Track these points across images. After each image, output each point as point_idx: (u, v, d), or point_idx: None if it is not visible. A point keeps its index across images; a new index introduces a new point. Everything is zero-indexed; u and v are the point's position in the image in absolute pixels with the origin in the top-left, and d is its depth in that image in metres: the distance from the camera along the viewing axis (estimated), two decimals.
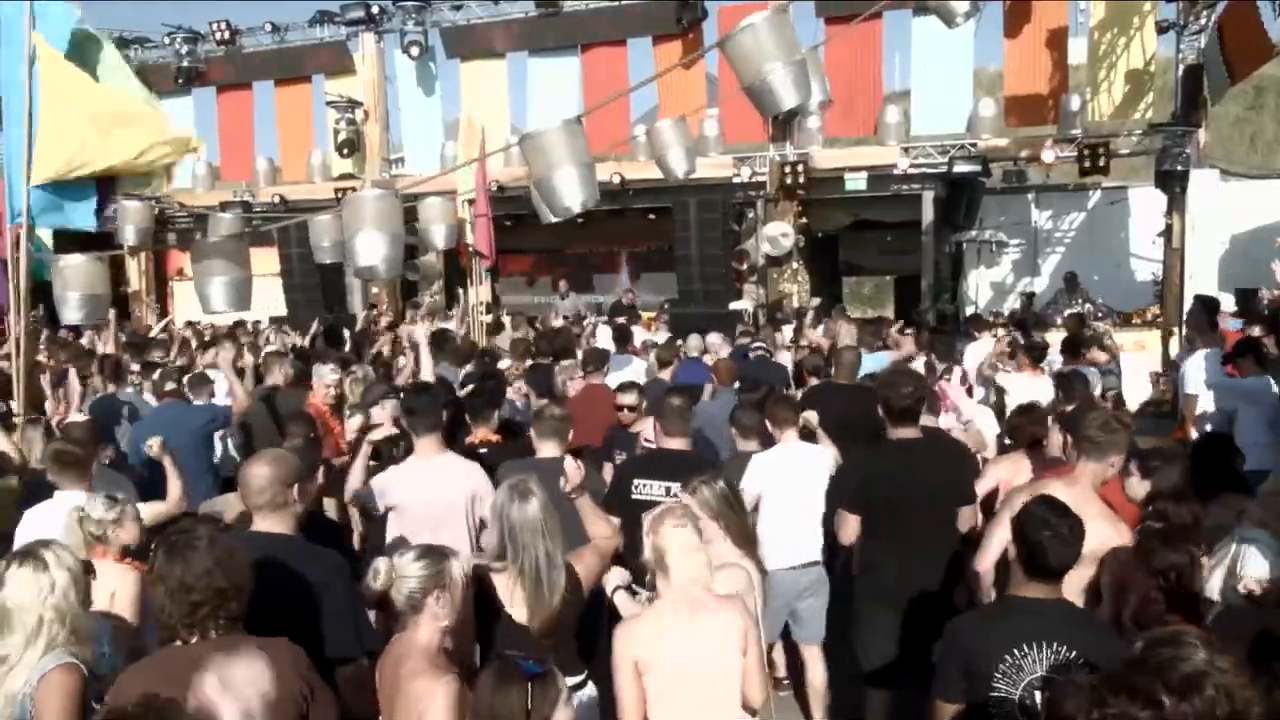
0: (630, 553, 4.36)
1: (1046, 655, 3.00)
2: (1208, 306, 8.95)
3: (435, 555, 3.15)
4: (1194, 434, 7.38)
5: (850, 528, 4.81)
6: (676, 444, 5.18)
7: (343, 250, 11.74)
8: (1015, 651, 3.01)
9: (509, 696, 2.52)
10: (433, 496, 4.80)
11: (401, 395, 6.11)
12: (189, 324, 14.77)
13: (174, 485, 5.25)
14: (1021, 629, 3.06)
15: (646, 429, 5.59)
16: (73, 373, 7.27)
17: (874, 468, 4.84)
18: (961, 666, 3.10)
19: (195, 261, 6.39)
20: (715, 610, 3.32)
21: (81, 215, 6.80)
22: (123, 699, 2.65)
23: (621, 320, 13.85)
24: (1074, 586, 3.79)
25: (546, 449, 5.05)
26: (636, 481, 4.95)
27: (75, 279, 6.43)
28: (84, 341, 12.03)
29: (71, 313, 6.57)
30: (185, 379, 8.00)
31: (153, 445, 5.35)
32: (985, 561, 4.18)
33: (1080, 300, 14.58)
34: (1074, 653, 2.98)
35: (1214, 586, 3.56)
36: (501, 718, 2.50)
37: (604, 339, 11.12)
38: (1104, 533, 3.81)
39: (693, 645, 3.26)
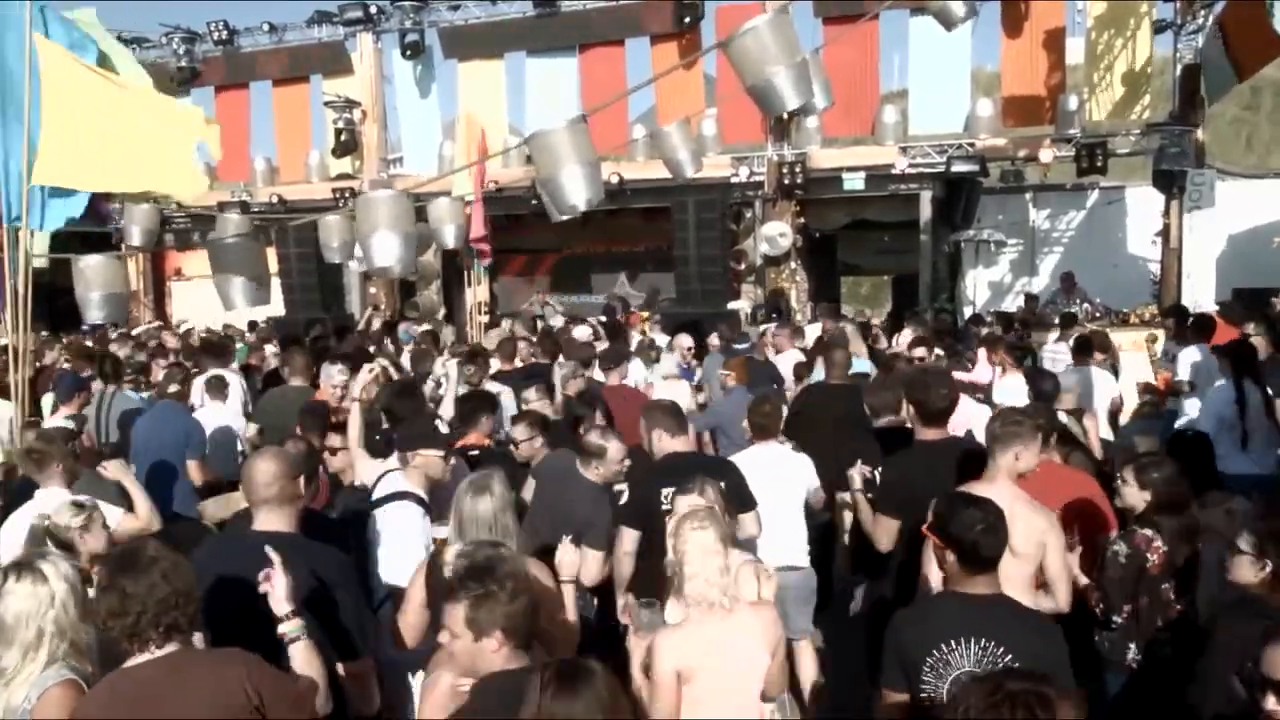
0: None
1: (974, 651, 3.00)
2: (1179, 314, 9.16)
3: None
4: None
5: (889, 533, 4.66)
6: (680, 445, 5.15)
7: (351, 250, 11.83)
8: (943, 646, 3.02)
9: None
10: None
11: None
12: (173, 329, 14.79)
13: (140, 501, 5.11)
14: (952, 624, 3.07)
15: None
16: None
17: (909, 472, 4.71)
18: (898, 657, 3.12)
19: (213, 261, 6.41)
20: (750, 616, 3.37)
21: (66, 211, 6.79)
22: None
23: (603, 319, 13.92)
24: (1020, 580, 3.80)
25: (590, 472, 4.92)
26: (664, 491, 4.74)
27: (96, 279, 6.44)
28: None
29: (94, 312, 6.59)
30: (204, 381, 8.05)
31: (109, 467, 5.26)
32: (931, 587, 4.17)
33: (1078, 300, 14.59)
34: (1002, 648, 2.98)
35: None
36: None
37: (582, 337, 11.15)
38: (1037, 523, 3.86)
39: (730, 653, 3.29)
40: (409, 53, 18.92)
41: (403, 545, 4.23)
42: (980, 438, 6.64)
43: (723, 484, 4.38)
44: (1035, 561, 3.86)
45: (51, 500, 4.40)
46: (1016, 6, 16.19)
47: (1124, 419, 8.12)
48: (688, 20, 17.08)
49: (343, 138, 19.51)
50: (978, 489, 4.12)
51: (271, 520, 3.46)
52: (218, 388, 7.86)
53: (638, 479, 4.97)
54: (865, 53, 16.74)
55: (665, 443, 5.09)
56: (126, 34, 20.25)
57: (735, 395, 7.45)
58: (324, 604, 3.31)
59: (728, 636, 3.28)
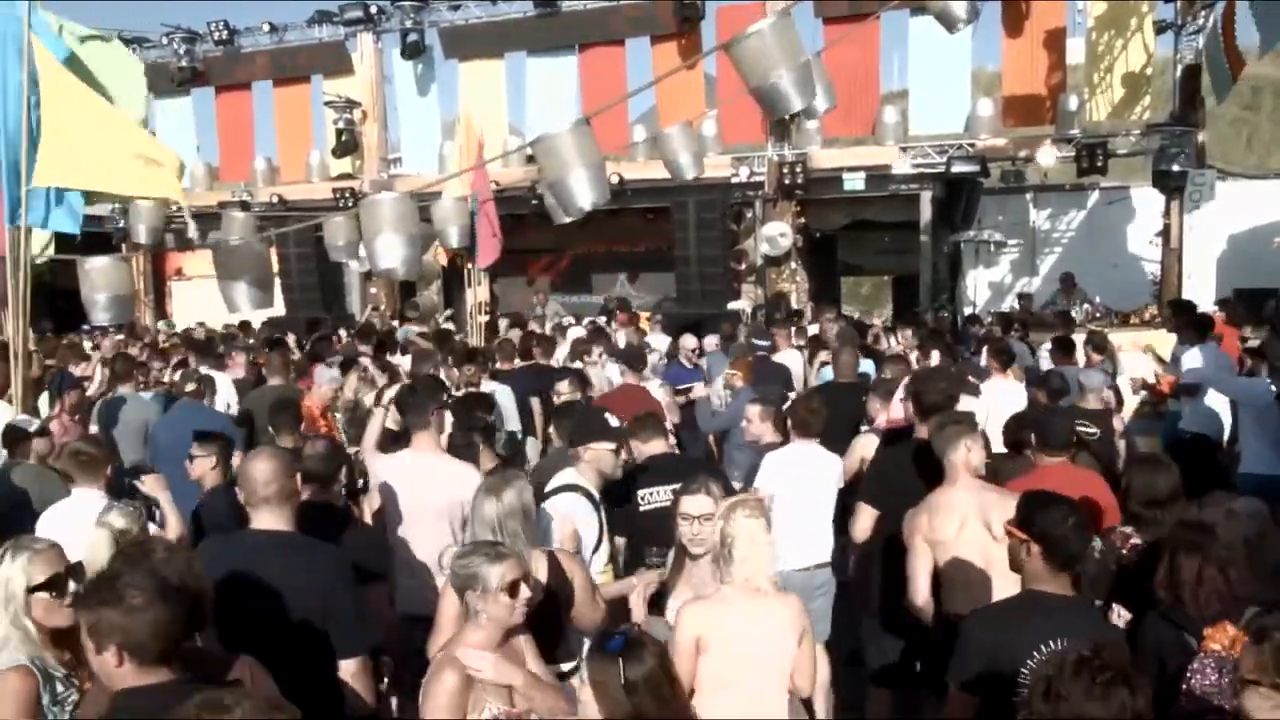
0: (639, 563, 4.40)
1: None
2: (1183, 309, 9.18)
3: (476, 555, 3.13)
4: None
5: (865, 523, 4.77)
6: (659, 447, 5.16)
7: (357, 250, 11.85)
8: (1043, 648, 3.02)
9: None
10: (414, 493, 4.84)
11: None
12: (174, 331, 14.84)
13: (172, 519, 5.00)
14: (1049, 625, 3.08)
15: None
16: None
17: (900, 465, 4.80)
18: (987, 660, 3.11)
19: (218, 264, 6.44)
20: (776, 602, 3.42)
21: (65, 219, 6.80)
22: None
23: (601, 320, 13.96)
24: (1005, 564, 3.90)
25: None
26: (641, 492, 4.86)
27: (101, 280, 6.46)
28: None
29: (100, 313, 6.61)
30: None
31: (146, 482, 5.24)
32: (922, 595, 4.22)
33: (1078, 301, 14.58)
34: None
35: None
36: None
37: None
38: (1012, 507, 3.88)
39: (753, 631, 3.35)
40: (409, 53, 18.91)
41: (571, 533, 4.20)
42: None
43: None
44: None
45: (88, 503, 4.41)
46: (1017, 6, 16.17)
47: (1123, 419, 8.11)
48: (688, 20, 17.08)
49: (343, 138, 19.50)
50: (945, 493, 4.22)
51: (270, 519, 3.46)
52: (207, 387, 7.89)
53: (613, 485, 4.98)
54: (865, 53, 16.72)
55: (640, 449, 5.14)
56: (127, 33, 20.29)
57: (744, 396, 7.46)
58: (321, 603, 3.32)
59: (755, 615, 3.34)
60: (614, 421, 4.54)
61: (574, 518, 4.23)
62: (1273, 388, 6.67)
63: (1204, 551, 3.30)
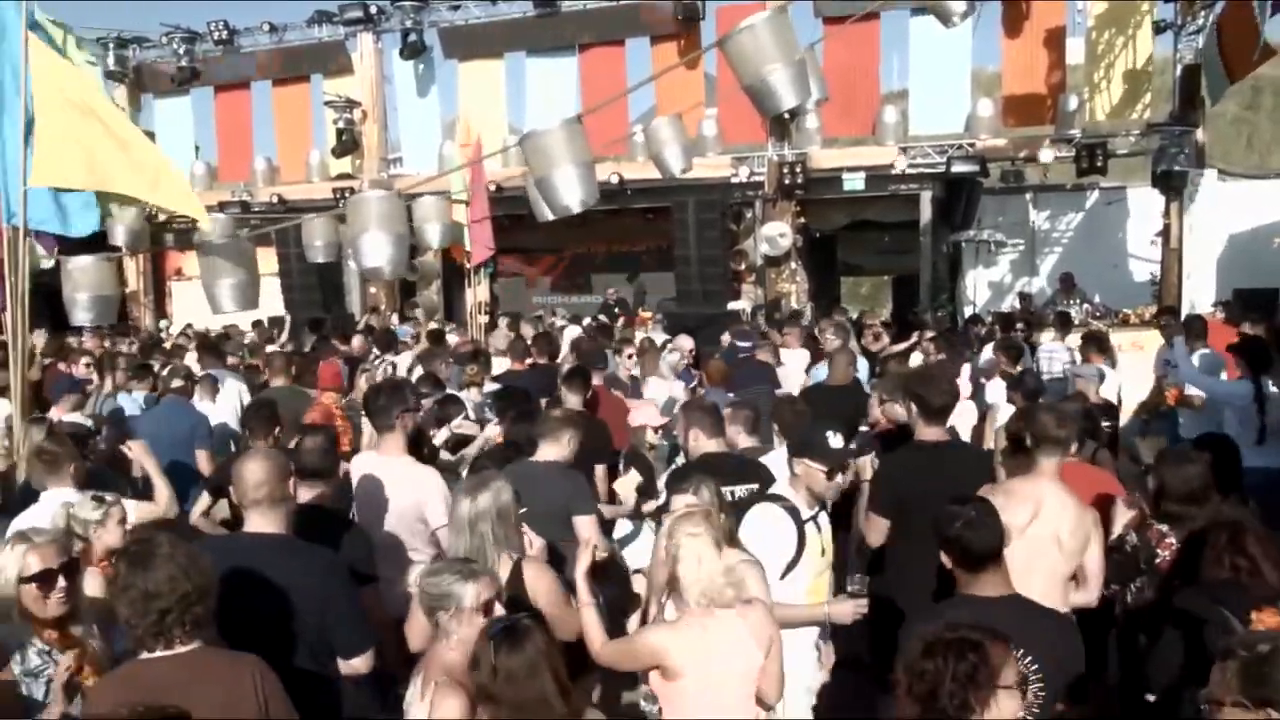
0: None
1: None
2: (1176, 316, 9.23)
3: (446, 573, 3.07)
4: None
5: (879, 531, 4.65)
6: (715, 445, 5.05)
7: (337, 250, 11.84)
8: None
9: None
10: (379, 496, 4.76)
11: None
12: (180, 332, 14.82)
13: (161, 488, 5.10)
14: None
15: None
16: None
17: (905, 469, 4.69)
18: None
19: (202, 263, 6.39)
20: (739, 620, 3.29)
21: (83, 223, 6.76)
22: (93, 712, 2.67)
23: (602, 319, 13.94)
24: (1062, 575, 3.91)
25: (547, 451, 5.01)
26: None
27: (84, 280, 6.38)
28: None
29: (81, 314, 6.50)
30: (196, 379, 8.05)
31: (132, 447, 5.24)
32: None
33: (1077, 300, 14.57)
34: (1020, 650, 2.79)
35: None
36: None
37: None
38: (1085, 519, 3.95)
39: (720, 655, 3.23)
40: (409, 52, 18.94)
41: (763, 548, 3.97)
42: (965, 433, 6.68)
43: (755, 486, 4.44)
44: (1080, 557, 3.91)
45: (60, 498, 4.40)
46: (1017, 6, 16.19)
47: (1122, 420, 8.11)
48: (688, 20, 17.08)
49: (343, 138, 19.51)
50: (1028, 483, 4.07)
51: (261, 522, 3.44)
52: (209, 386, 7.88)
53: (672, 480, 4.92)
54: (865, 53, 16.74)
55: (701, 442, 5.03)
56: (126, 33, 20.37)
57: (710, 397, 7.41)
58: (317, 606, 3.30)
59: (720, 638, 3.23)
60: (836, 443, 4.15)
61: (765, 531, 4.03)
62: (1251, 387, 6.66)
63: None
